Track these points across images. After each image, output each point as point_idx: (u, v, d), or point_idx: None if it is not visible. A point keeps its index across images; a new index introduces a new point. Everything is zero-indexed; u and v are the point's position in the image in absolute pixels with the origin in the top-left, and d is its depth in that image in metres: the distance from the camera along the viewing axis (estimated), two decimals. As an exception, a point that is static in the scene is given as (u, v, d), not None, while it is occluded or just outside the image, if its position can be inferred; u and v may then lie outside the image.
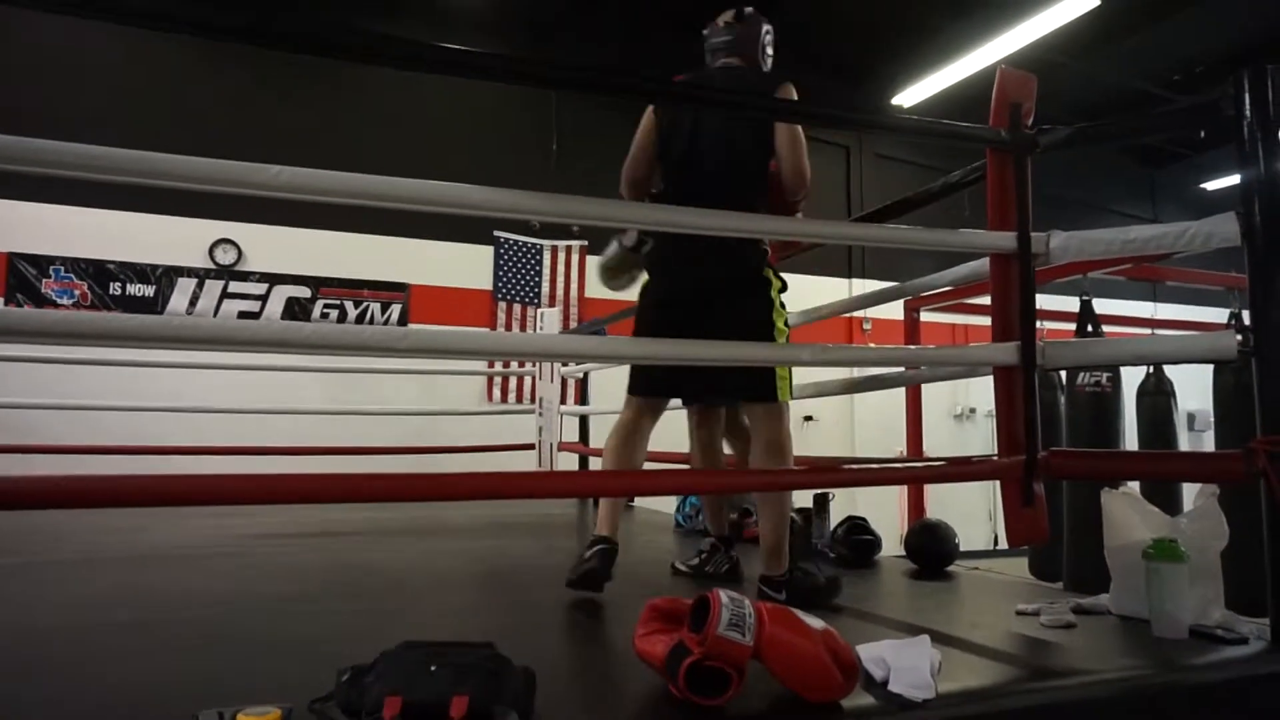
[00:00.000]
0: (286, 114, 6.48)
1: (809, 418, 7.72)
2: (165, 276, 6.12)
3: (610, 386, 5.64)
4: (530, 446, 5.25)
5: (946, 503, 4.74)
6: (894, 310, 4.70)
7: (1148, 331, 5.60)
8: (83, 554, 2.99)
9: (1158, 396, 4.29)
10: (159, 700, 1.36)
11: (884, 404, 5.29)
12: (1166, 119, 6.69)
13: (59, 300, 5.82)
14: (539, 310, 6.86)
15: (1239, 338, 1.76)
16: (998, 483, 2.06)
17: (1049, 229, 2.05)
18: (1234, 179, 1.80)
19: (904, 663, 1.42)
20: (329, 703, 1.21)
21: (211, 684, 1.46)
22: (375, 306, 6.66)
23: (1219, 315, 4.04)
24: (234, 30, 1.53)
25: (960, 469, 2.08)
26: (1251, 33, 7.48)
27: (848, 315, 8.19)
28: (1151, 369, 4.28)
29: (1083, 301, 3.81)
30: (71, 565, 2.78)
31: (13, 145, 1.32)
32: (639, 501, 4.77)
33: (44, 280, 5.82)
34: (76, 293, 5.88)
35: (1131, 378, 3.96)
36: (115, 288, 5.98)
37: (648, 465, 3.38)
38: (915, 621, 1.93)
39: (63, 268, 5.88)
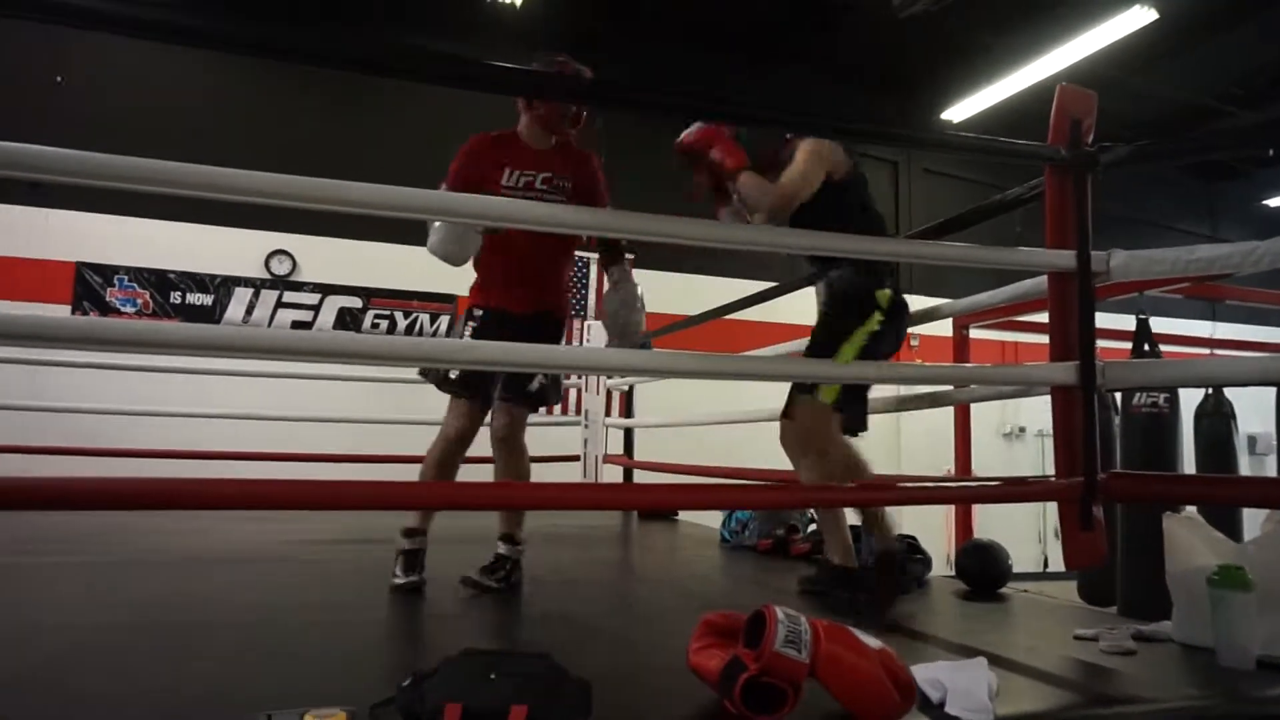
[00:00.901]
0: (343, 128, 6.63)
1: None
2: (223, 286, 6.29)
3: (654, 400, 5.64)
4: (575, 458, 5.27)
5: (993, 523, 4.65)
6: (942, 327, 4.64)
7: (1206, 351, 5.46)
8: (139, 556, 3.08)
9: (1217, 418, 4.17)
10: (223, 703, 1.40)
11: (931, 421, 5.22)
12: (1233, 136, 6.54)
13: (122, 308, 6.02)
14: (585, 323, 6.90)
15: (1307, 360, 1.72)
16: (1048, 504, 2.03)
17: (1101, 245, 2.01)
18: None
19: (961, 685, 1.40)
20: (390, 707, 1.23)
21: (273, 687, 1.49)
22: (424, 317, 6.76)
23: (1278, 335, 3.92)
24: (296, 51, 1.59)
25: (1017, 489, 2.05)
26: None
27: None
28: (1211, 390, 4.17)
29: (1139, 320, 3.74)
30: (127, 566, 2.86)
31: (87, 160, 1.38)
32: (683, 515, 4.76)
33: (109, 289, 6.02)
34: (139, 301, 6.07)
35: (1189, 398, 3.86)
36: (175, 297, 6.16)
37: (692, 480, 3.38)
38: (969, 643, 1.90)
39: (126, 277, 6.07)
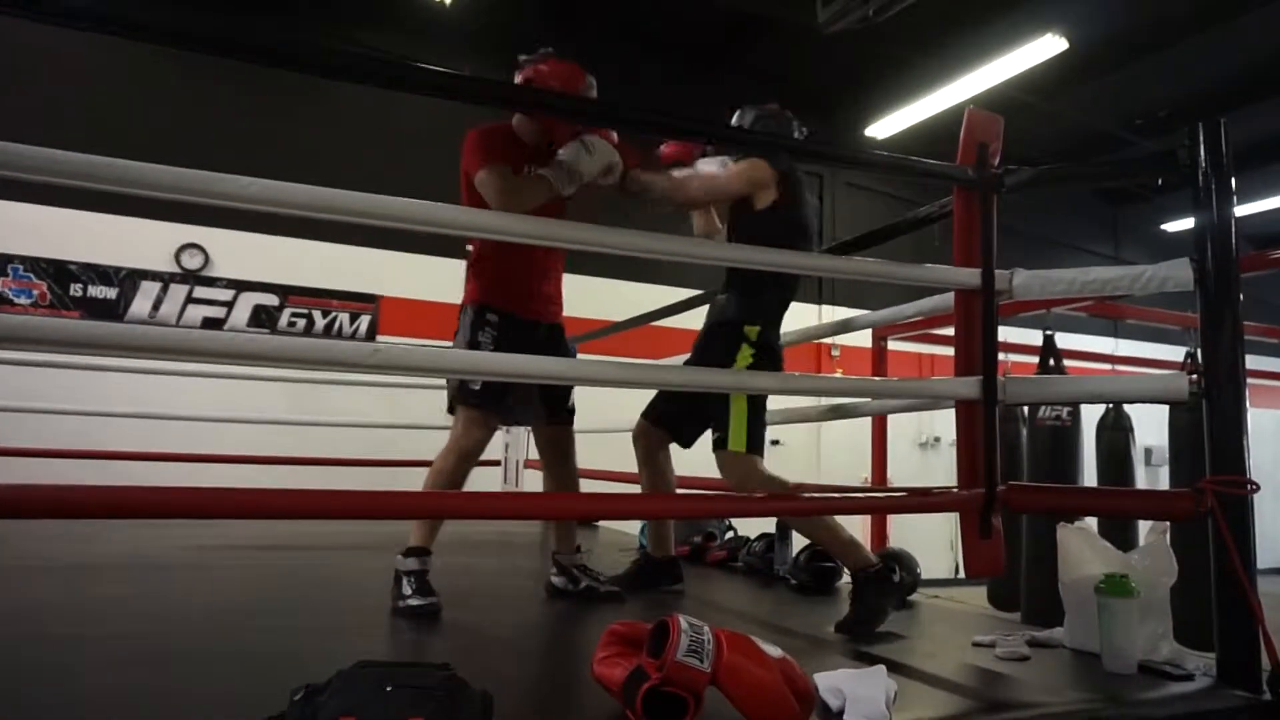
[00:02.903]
0: (266, 122, 6.43)
1: (775, 442, 7.73)
2: (128, 279, 6.01)
3: (581, 404, 5.62)
4: (496, 463, 5.21)
5: (908, 530, 4.76)
6: (863, 338, 4.76)
7: (1108, 368, 5.72)
8: (28, 562, 2.91)
9: (1116, 432, 4.37)
10: (104, 715, 1.34)
11: (852, 429, 5.37)
12: (1127, 165, 6.91)
13: (16, 299, 5.70)
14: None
15: (1192, 377, 1.82)
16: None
17: (1013, 262, 2.09)
18: (1191, 221, 1.86)
19: (860, 693, 1.43)
20: (281, 721, 1.19)
21: (161, 700, 1.43)
22: (344, 317, 6.60)
23: (1177, 352, 4.14)
24: (222, 45, 1.53)
25: (921, 500, 2.11)
26: (1211, 81, 7.73)
27: (817, 341, 8.26)
28: (1110, 404, 4.37)
29: (1045, 336, 3.89)
30: (15, 573, 2.71)
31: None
32: (603, 522, 4.76)
33: (1, 279, 5.69)
34: (35, 293, 5.76)
35: (1091, 412, 4.04)
36: (76, 289, 5.86)
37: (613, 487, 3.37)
38: (873, 651, 1.94)
39: (21, 266, 5.75)
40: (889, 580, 2.29)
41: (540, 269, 2.59)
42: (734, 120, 2.65)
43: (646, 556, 2.86)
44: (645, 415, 2.71)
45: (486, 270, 2.54)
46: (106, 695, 1.45)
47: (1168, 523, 2.01)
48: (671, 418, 2.65)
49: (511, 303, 2.52)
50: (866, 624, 2.19)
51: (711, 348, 2.48)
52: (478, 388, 2.41)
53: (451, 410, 2.51)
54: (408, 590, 2.26)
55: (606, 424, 4.60)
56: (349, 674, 1.21)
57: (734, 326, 2.43)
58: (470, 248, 2.65)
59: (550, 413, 2.64)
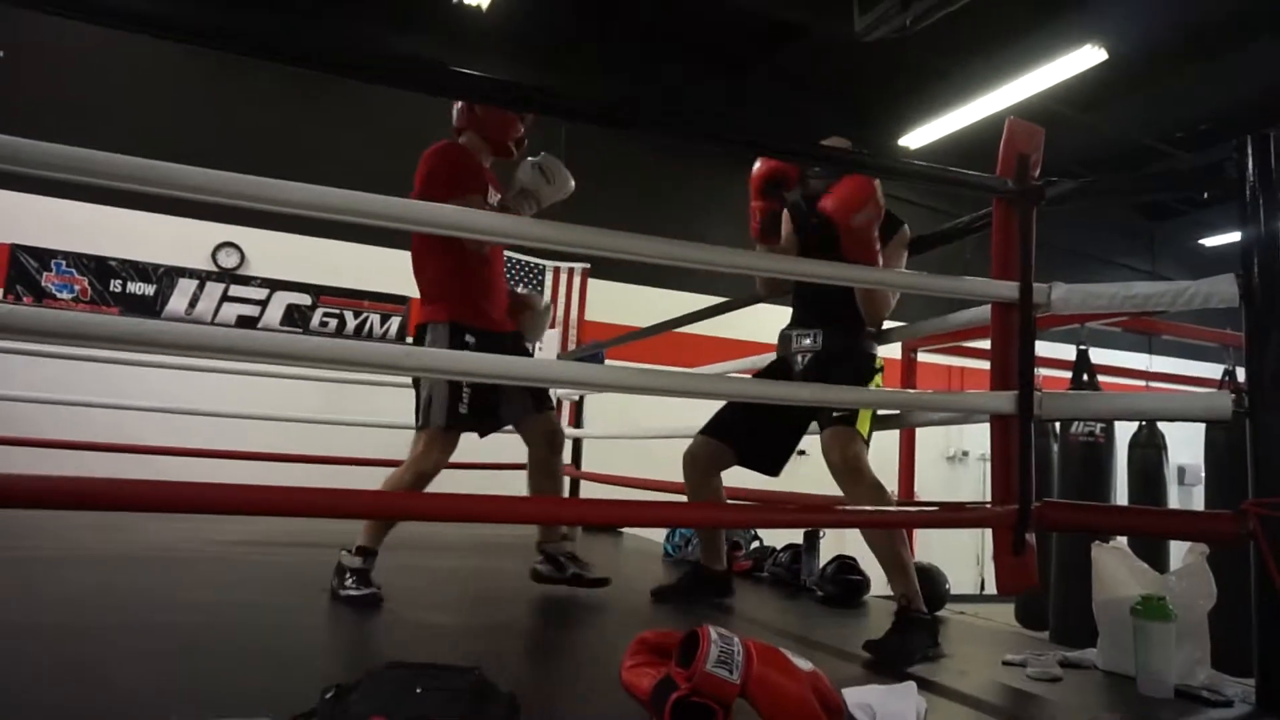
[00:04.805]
0: (299, 125, 6.52)
1: (802, 452, 7.66)
2: (166, 276, 6.11)
3: (605, 410, 5.62)
4: (522, 466, 5.21)
5: (934, 545, 4.70)
6: (890, 349, 4.72)
7: (1142, 384, 5.64)
8: (64, 552, 2.96)
9: (1149, 449, 4.31)
10: (138, 707, 1.35)
11: (877, 442, 5.33)
12: (1172, 178, 6.80)
13: (58, 294, 5.82)
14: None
15: (1234, 397, 1.78)
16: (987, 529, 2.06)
17: (1047, 276, 2.06)
18: (1232, 236, 1.82)
19: (890, 709, 1.41)
20: (311, 719, 1.20)
21: (192, 693, 1.45)
22: (375, 318, 6.66)
23: (1212, 369, 4.07)
24: (258, 46, 1.55)
25: (954, 515, 2.08)
26: (1252, 95, 7.58)
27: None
28: (1144, 421, 4.30)
29: (1079, 351, 3.84)
30: (52, 564, 2.75)
31: (26, 148, 1.31)
32: (628, 530, 4.75)
33: (45, 273, 5.81)
34: (76, 288, 5.87)
35: (1124, 428, 3.98)
36: (116, 285, 5.97)
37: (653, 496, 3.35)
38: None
39: (64, 262, 5.87)
40: (931, 626, 2.22)
41: (500, 277, 2.70)
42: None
43: (697, 567, 2.80)
44: (713, 433, 2.61)
45: (453, 287, 2.53)
46: (134, 689, 1.47)
47: (1206, 545, 1.97)
48: (749, 436, 2.60)
49: (483, 318, 2.55)
50: (905, 656, 2.07)
51: (835, 375, 2.36)
52: (465, 410, 2.41)
53: (422, 428, 2.49)
54: (349, 583, 2.31)
55: (630, 430, 4.60)
56: (379, 674, 1.22)
57: (869, 358, 2.49)
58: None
59: (538, 403, 2.66)
